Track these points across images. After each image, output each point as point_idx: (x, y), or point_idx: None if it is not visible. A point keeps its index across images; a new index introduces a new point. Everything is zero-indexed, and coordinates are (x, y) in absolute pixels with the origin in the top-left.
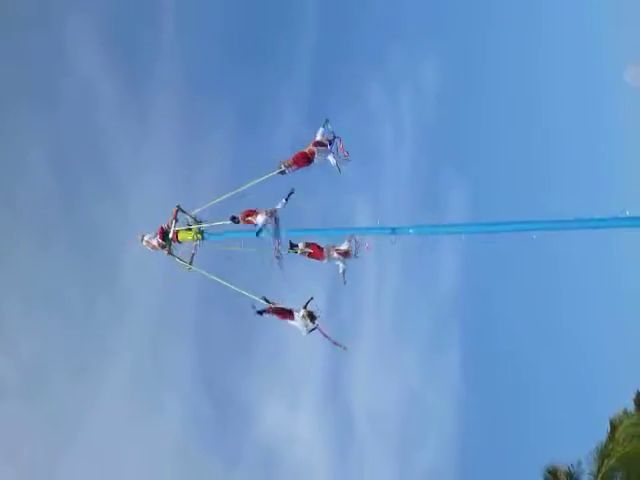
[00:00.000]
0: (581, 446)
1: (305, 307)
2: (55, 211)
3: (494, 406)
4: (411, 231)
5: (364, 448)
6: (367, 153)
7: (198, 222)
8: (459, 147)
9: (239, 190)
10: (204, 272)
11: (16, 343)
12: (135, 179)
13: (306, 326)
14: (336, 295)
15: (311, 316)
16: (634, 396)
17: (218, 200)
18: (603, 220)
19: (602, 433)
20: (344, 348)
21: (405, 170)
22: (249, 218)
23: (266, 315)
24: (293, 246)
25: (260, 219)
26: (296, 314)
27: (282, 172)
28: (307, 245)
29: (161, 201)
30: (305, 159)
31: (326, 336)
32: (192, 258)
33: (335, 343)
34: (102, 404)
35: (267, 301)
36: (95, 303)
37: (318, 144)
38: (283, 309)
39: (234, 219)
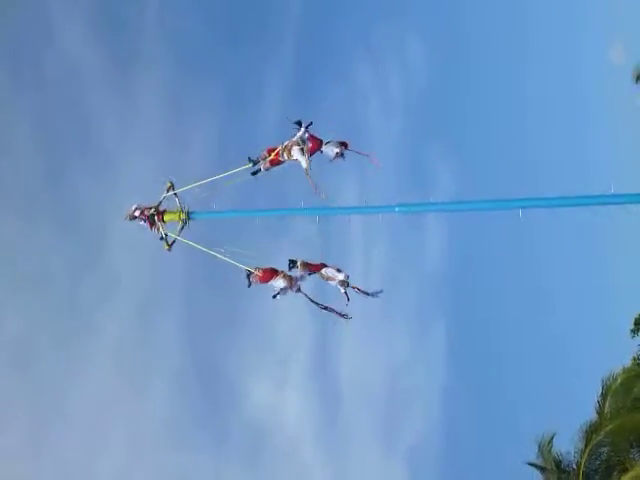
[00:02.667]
0: (569, 421)
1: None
2: (40, 187)
3: (480, 379)
4: (397, 210)
5: (351, 422)
6: (353, 130)
7: (182, 203)
8: (446, 124)
9: (229, 173)
10: (190, 242)
11: (1, 319)
12: (121, 155)
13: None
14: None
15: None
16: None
17: (205, 181)
18: (589, 197)
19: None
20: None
21: (391, 146)
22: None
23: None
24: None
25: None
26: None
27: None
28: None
29: (147, 177)
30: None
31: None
32: (174, 240)
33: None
34: (88, 380)
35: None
36: (81, 279)
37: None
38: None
39: (253, 162)
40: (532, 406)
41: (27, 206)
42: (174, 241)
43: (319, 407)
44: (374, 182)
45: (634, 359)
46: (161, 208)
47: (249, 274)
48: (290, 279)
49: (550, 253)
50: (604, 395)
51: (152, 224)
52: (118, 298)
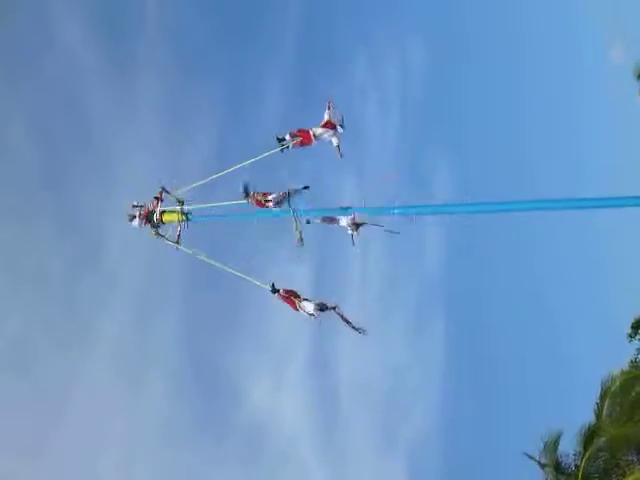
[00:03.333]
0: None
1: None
2: (39, 187)
3: (479, 380)
4: (396, 211)
5: (350, 423)
6: (352, 129)
7: (181, 203)
8: (445, 124)
9: (234, 168)
10: (189, 251)
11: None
12: (120, 155)
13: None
14: (322, 271)
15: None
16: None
17: (204, 181)
18: (587, 200)
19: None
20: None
21: (390, 147)
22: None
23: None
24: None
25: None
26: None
27: (282, 144)
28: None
29: (146, 175)
30: (309, 137)
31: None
32: (178, 239)
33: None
34: (87, 381)
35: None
36: (80, 279)
37: (328, 125)
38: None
39: (281, 140)
40: (531, 407)
41: (25, 206)
42: (179, 236)
43: (318, 407)
44: (373, 183)
45: (631, 362)
46: (159, 210)
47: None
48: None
49: (549, 255)
50: (603, 397)
51: (148, 223)
52: (116, 298)
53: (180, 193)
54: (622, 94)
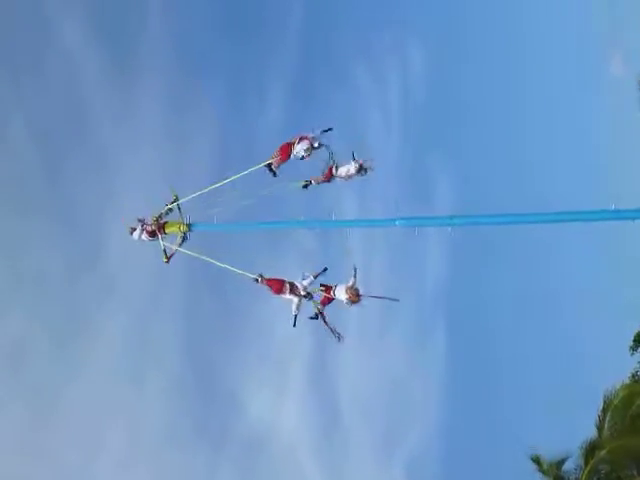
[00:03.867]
0: (570, 438)
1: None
2: (39, 188)
3: (479, 394)
4: (397, 223)
5: (349, 432)
6: (353, 137)
7: (182, 212)
8: (446, 134)
9: (233, 178)
10: (191, 253)
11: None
12: (120, 154)
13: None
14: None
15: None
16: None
17: (206, 190)
18: (589, 213)
19: (591, 427)
20: (339, 337)
21: (391, 157)
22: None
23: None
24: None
25: (300, 147)
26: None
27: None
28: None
29: (146, 176)
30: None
31: (325, 322)
32: (173, 252)
33: (333, 330)
34: (86, 385)
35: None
36: (79, 282)
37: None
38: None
39: (269, 166)
40: (532, 420)
41: (26, 207)
42: (173, 254)
43: (317, 417)
44: (374, 194)
45: (633, 375)
46: (162, 220)
47: (257, 280)
48: (295, 288)
49: (551, 268)
50: (604, 411)
51: (153, 235)
52: (116, 303)
53: (184, 201)
54: (622, 106)
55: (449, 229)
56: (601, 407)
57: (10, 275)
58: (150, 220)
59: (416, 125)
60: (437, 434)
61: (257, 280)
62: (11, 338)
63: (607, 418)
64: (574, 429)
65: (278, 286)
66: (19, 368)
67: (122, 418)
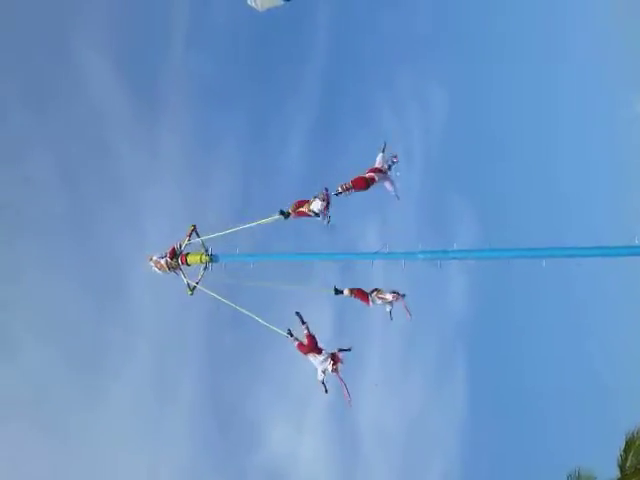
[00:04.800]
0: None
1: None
2: (62, 220)
3: (501, 430)
4: (420, 256)
5: (369, 468)
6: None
7: (206, 248)
8: (468, 171)
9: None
10: (211, 293)
11: (21, 356)
12: (144, 191)
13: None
14: (343, 316)
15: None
16: None
17: (231, 230)
18: (612, 248)
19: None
20: (349, 403)
21: (414, 191)
22: (301, 209)
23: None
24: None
25: (316, 205)
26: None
27: (338, 194)
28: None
29: (170, 213)
30: (364, 183)
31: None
32: (198, 282)
33: (346, 394)
34: (105, 421)
35: (291, 334)
36: (100, 314)
37: (377, 170)
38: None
39: (283, 213)
40: (553, 459)
41: (49, 239)
42: (195, 287)
43: (337, 453)
44: (396, 228)
45: None
46: (183, 252)
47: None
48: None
49: (574, 303)
50: (627, 450)
51: (174, 268)
52: (137, 336)
53: (205, 239)
54: None
55: (472, 262)
56: (623, 446)
57: (31, 305)
58: (170, 252)
59: (439, 161)
60: (457, 470)
61: (290, 335)
62: (32, 371)
63: (630, 457)
64: (597, 467)
65: (308, 346)
66: (39, 403)
67: (141, 451)
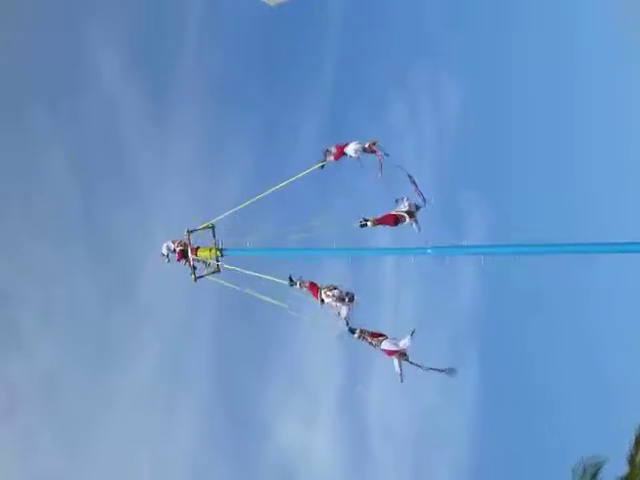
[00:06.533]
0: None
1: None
2: (75, 218)
3: (510, 426)
4: (429, 251)
5: (379, 466)
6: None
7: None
8: (481, 167)
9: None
10: (220, 280)
11: (33, 350)
12: (156, 188)
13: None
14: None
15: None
16: None
17: (240, 206)
18: (626, 244)
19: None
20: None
21: (425, 186)
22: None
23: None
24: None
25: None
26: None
27: (362, 225)
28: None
29: (182, 210)
30: (393, 221)
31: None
32: (204, 273)
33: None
34: (116, 416)
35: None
36: (113, 311)
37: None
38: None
39: (327, 152)
40: (563, 456)
41: (61, 238)
42: (201, 276)
43: (347, 448)
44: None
45: None
46: (194, 245)
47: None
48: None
49: (586, 300)
50: (636, 445)
51: (184, 258)
52: (149, 332)
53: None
54: None
55: (482, 258)
56: (633, 442)
57: (43, 305)
58: (180, 242)
59: (450, 155)
60: (467, 467)
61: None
62: (44, 369)
63: (639, 452)
64: (606, 463)
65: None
66: (52, 399)
67: (152, 447)
